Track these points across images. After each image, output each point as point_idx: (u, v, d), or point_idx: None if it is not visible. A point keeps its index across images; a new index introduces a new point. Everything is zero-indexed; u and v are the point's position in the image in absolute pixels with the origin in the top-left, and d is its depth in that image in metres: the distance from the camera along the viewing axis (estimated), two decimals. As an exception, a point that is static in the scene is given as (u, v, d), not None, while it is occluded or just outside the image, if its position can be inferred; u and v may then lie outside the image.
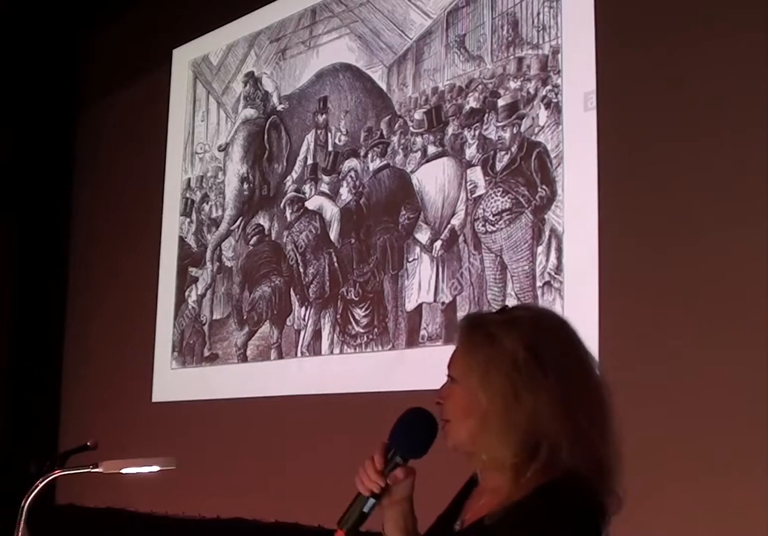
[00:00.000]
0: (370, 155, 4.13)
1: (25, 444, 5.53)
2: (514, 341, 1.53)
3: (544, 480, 1.49)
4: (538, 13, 3.50)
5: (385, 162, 4.05)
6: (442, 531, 1.66)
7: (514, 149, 3.52)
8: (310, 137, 4.45)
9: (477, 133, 3.66)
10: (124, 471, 2.27)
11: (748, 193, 2.86)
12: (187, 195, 5.11)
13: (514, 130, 3.53)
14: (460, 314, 3.55)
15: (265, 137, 4.71)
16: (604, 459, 1.52)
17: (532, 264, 3.39)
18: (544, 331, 1.57)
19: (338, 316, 4.14)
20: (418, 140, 3.91)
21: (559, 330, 1.60)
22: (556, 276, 3.32)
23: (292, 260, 4.43)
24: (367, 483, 1.60)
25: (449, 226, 3.72)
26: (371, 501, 1.60)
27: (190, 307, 4.96)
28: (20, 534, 2.18)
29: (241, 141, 4.85)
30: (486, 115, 3.64)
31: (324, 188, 4.34)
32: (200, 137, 5.08)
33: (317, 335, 4.23)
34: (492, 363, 1.53)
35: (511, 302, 3.43)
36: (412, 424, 1.63)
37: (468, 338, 1.60)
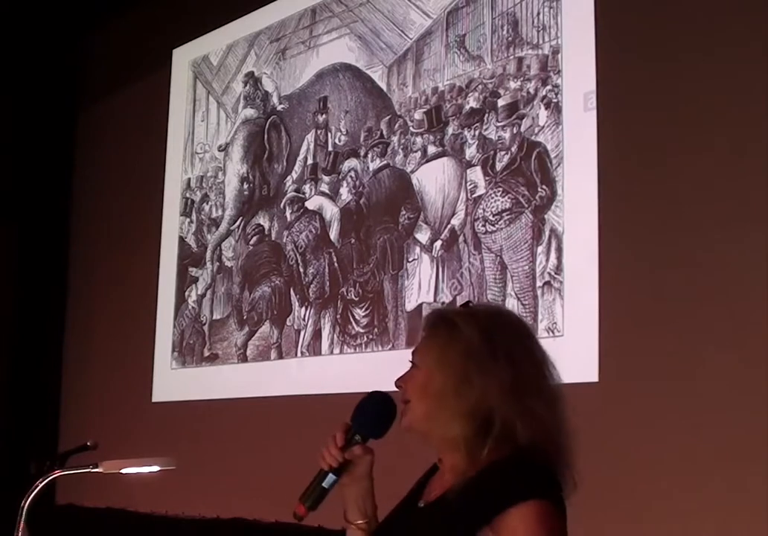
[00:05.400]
0: (370, 155, 4.13)
1: (25, 444, 5.53)
2: (471, 329, 1.65)
3: (498, 455, 1.57)
4: (538, 13, 3.50)
5: (385, 162, 4.05)
6: (405, 509, 1.75)
7: (514, 149, 3.52)
8: (310, 137, 4.45)
9: (477, 133, 3.66)
10: (124, 471, 2.26)
11: (748, 192, 2.86)
12: (187, 195, 5.11)
13: (514, 130, 3.53)
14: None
15: (265, 137, 4.71)
16: (555, 436, 1.61)
17: (532, 264, 3.39)
18: (499, 323, 1.70)
19: (338, 316, 4.14)
20: (418, 140, 3.91)
21: (514, 325, 1.73)
22: (556, 276, 3.32)
23: (292, 260, 4.43)
24: (327, 458, 1.69)
25: (449, 226, 3.72)
26: (331, 476, 1.69)
27: (190, 307, 4.96)
28: (20, 534, 2.18)
29: (241, 141, 4.85)
30: (486, 115, 3.64)
31: (324, 188, 4.34)
32: (200, 136, 5.08)
33: (317, 335, 4.23)
34: (449, 346, 1.65)
35: (511, 302, 3.43)
36: (371, 405, 1.73)
37: (431, 327, 1.72)
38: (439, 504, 1.64)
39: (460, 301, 3.60)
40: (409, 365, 1.72)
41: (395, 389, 1.72)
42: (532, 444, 1.58)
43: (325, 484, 1.68)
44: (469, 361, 1.62)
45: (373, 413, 1.72)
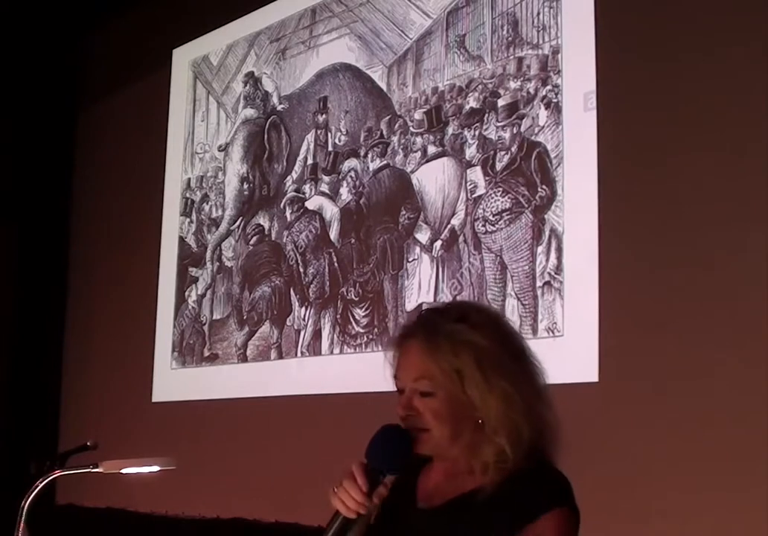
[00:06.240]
0: (370, 155, 4.12)
1: (25, 444, 5.53)
2: (478, 341, 1.60)
3: (517, 462, 1.57)
4: (538, 13, 3.50)
5: (385, 162, 4.05)
6: (399, 510, 1.68)
7: (514, 149, 3.52)
8: (310, 137, 4.45)
9: (477, 133, 3.66)
10: (124, 471, 2.27)
11: (748, 192, 2.86)
12: (187, 195, 5.11)
13: (514, 130, 3.53)
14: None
15: (265, 137, 4.71)
16: (557, 439, 1.62)
17: (532, 264, 3.39)
18: (503, 327, 1.68)
19: (338, 316, 4.14)
20: (418, 140, 3.91)
21: (509, 325, 1.72)
22: (556, 276, 3.31)
23: (292, 260, 4.43)
24: (352, 505, 1.57)
25: (449, 226, 3.72)
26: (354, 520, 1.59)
27: (190, 307, 4.96)
28: (20, 534, 2.18)
29: (241, 141, 4.85)
30: (486, 115, 3.64)
31: (324, 188, 4.34)
32: (200, 136, 5.08)
33: (317, 335, 4.22)
34: (462, 366, 1.59)
35: (511, 302, 3.43)
36: (390, 442, 1.63)
37: (433, 349, 1.64)
38: (456, 507, 1.61)
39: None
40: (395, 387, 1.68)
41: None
42: (548, 450, 1.60)
43: (350, 533, 1.58)
44: (513, 379, 1.59)
45: (394, 450, 1.62)
